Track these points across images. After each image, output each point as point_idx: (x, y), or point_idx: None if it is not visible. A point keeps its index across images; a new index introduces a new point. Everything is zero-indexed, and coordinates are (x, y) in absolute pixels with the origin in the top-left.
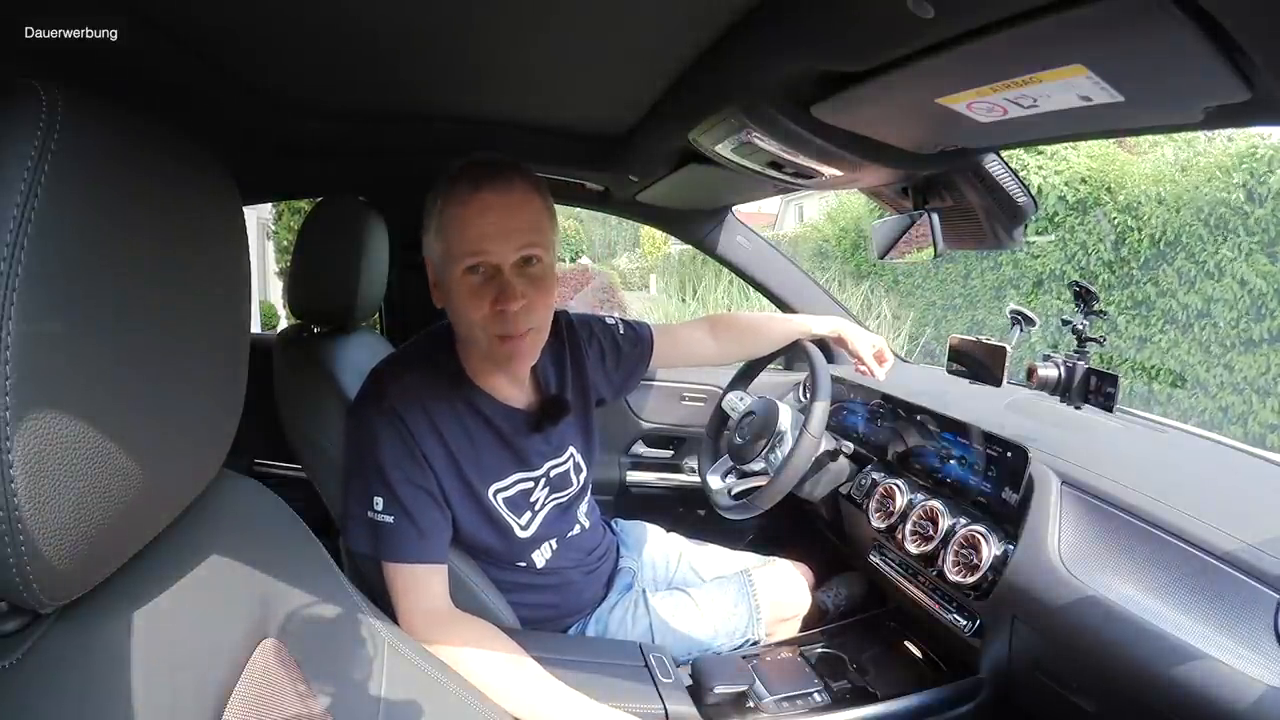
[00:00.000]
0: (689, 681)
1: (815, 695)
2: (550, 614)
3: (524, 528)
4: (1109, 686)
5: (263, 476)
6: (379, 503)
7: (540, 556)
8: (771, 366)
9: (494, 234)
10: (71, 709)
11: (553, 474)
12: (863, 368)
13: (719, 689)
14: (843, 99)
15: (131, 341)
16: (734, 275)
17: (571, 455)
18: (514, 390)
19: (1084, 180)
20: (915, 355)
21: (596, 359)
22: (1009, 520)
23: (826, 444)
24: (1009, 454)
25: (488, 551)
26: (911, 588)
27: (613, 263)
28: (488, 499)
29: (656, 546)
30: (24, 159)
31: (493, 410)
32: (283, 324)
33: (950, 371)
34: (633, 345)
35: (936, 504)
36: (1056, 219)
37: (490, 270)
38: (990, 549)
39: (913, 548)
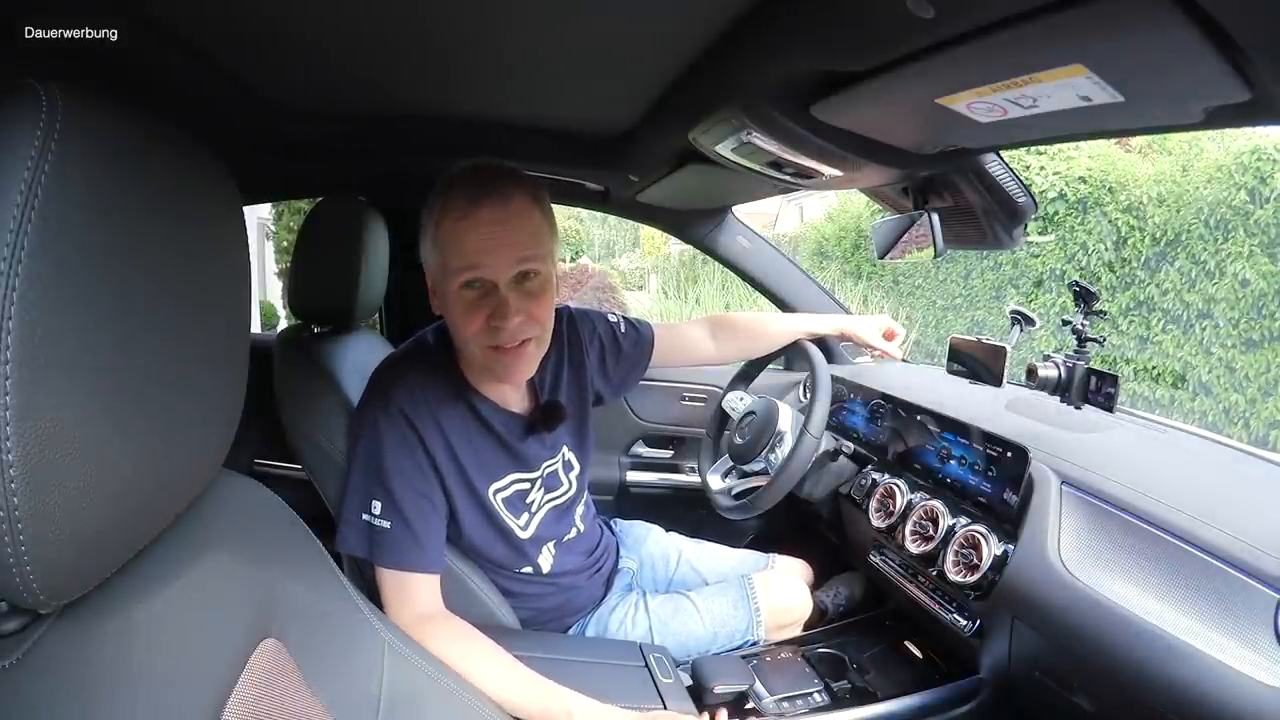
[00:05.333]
0: (689, 681)
1: (815, 695)
2: (552, 615)
3: (523, 528)
4: (1109, 686)
5: (263, 476)
6: (377, 507)
7: (545, 561)
8: (771, 366)
9: (490, 249)
10: (72, 709)
11: (546, 473)
12: (878, 353)
13: (719, 689)
14: (843, 99)
15: (131, 341)
16: (734, 275)
17: (563, 454)
18: (511, 394)
19: (1084, 180)
20: (915, 355)
21: (596, 358)
22: (1009, 520)
23: (826, 444)
24: (1009, 454)
25: (494, 559)
26: (911, 588)
27: (613, 263)
28: (488, 499)
29: (656, 546)
30: (24, 159)
31: (491, 413)
32: (283, 324)
33: (950, 371)
34: (633, 344)
35: (937, 504)
36: (1056, 219)
37: (487, 285)
38: (990, 549)
39: (913, 547)
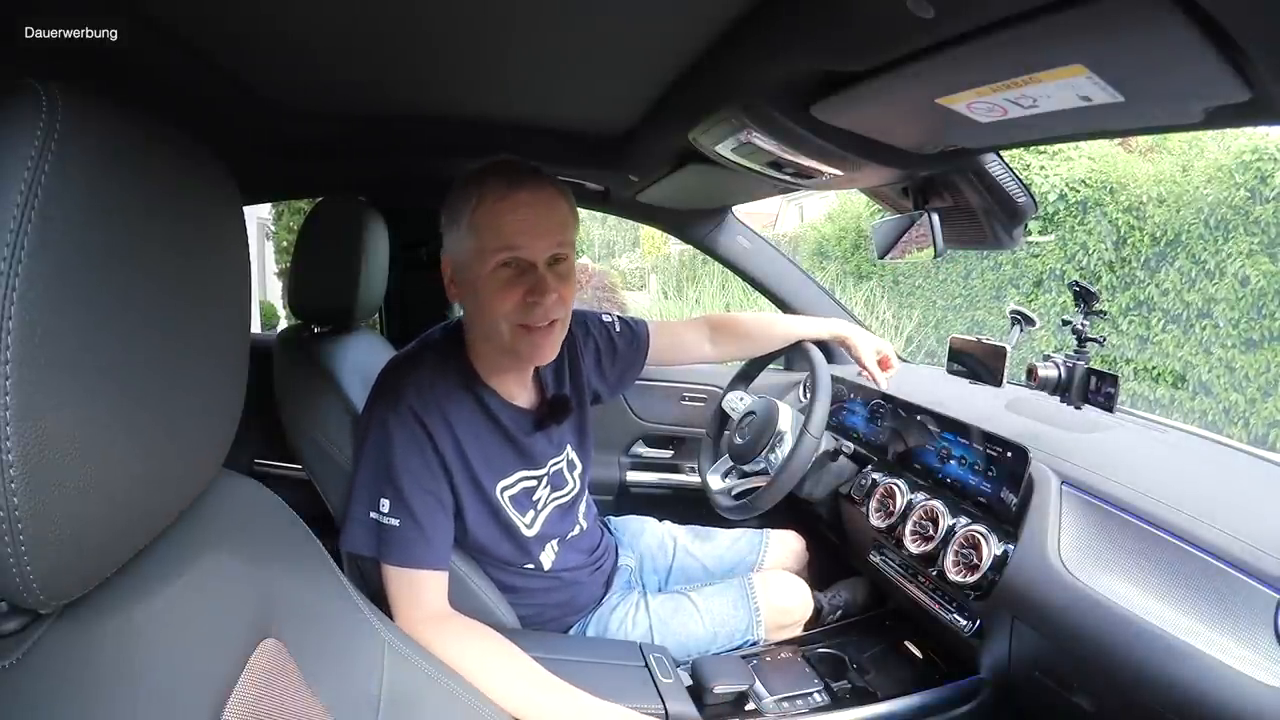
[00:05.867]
0: (689, 681)
1: (815, 695)
2: (554, 614)
3: (529, 526)
4: (1109, 686)
5: (263, 476)
6: (385, 505)
7: (547, 558)
8: (771, 366)
9: (530, 230)
10: (72, 709)
11: (552, 472)
12: (864, 373)
13: (719, 689)
14: (843, 99)
15: (131, 341)
16: (734, 275)
17: (567, 454)
18: (519, 390)
19: (1085, 181)
20: (916, 356)
21: (593, 358)
22: (1009, 520)
23: (826, 444)
24: (1009, 454)
25: (499, 556)
26: (911, 588)
27: (613, 263)
28: (495, 496)
29: (653, 538)
30: (24, 159)
31: (500, 408)
32: (283, 324)
33: (950, 371)
34: (629, 344)
35: (937, 504)
36: (1057, 219)
37: (524, 265)
38: (990, 549)
39: (913, 547)
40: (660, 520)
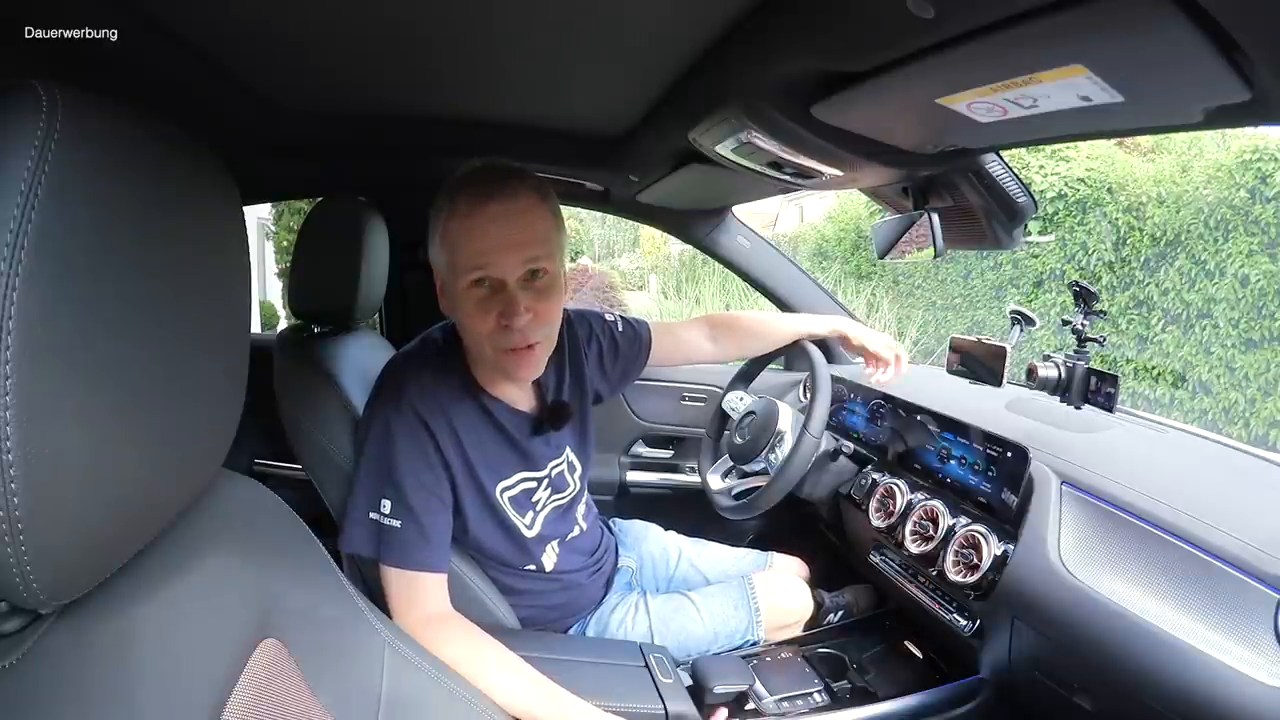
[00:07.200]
0: (689, 681)
1: (815, 695)
2: (554, 615)
3: (529, 527)
4: (1109, 686)
5: (263, 476)
6: (386, 505)
7: (549, 559)
8: (771, 366)
9: (498, 248)
10: (71, 709)
11: (553, 474)
12: (878, 367)
13: (719, 689)
14: (843, 99)
15: (131, 341)
16: (734, 275)
17: (566, 456)
18: (518, 393)
19: (1084, 181)
20: (915, 355)
21: (595, 358)
22: (1009, 520)
23: (826, 444)
24: (1009, 454)
25: (499, 556)
26: (911, 588)
27: (613, 263)
28: (495, 497)
29: (656, 545)
30: (24, 159)
31: (501, 412)
32: (283, 324)
33: (950, 371)
34: (631, 343)
35: (937, 504)
36: (1056, 219)
37: (496, 283)
38: (990, 549)
39: (913, 547)
40: (665, 529)
